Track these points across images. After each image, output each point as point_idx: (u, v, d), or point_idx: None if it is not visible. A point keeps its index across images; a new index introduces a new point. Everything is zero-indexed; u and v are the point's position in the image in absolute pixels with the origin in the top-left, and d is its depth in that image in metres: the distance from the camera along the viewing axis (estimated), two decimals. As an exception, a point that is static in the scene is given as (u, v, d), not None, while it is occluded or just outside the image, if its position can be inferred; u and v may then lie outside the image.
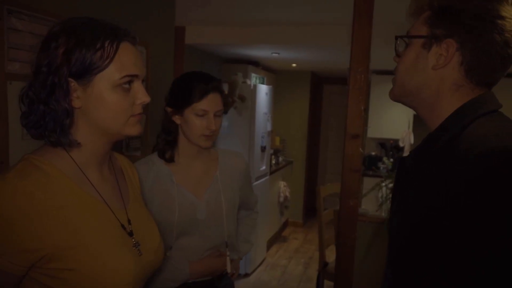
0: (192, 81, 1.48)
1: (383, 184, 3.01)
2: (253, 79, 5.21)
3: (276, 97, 5.82)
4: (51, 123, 0.90)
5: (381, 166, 5.50)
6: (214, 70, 4.76)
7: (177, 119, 1.50)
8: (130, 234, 1.01)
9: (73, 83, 0.90)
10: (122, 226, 1.00)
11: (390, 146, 5.75)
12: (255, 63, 5.28)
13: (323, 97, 7.27)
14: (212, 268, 1.54)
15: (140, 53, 0.99)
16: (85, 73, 0.89)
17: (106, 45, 0.89)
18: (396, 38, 0.98)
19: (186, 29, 3.53)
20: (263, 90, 4.68)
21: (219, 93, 1.49)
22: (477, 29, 0.85)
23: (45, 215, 0.85)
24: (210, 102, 1.46)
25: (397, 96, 1.00)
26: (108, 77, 0.90)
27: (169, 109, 1.51)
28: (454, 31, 0.87)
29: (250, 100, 4.43)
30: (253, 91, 4.43)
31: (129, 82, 0.94)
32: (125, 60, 0.92)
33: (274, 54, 4.59)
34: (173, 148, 1.54)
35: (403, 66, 0.96)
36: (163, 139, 1.55)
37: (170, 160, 1.53)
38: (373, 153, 5.71)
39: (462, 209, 0.75)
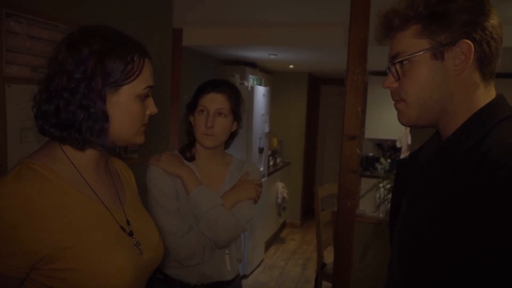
0: (204, 84, 1.59)
1: (381, 185, 3.02)
2: (251, 80, 5.21)
3: (273, 98, 5.83)
4: (86, 125, 0.91)
5: (379, 166, 5.52)
6: (211, 72, 4.76)
7: (192, 120, 1.61)
8: (130, 234, 1.02)
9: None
10: (122, 227, 1.01)
11: (387, 147, 5.77)
12: (252, 65, 5.28)
13: (320, 98, 7.28)
14: (243, 195, 1.58)
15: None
16: (115, 83, 0.93)
17: (135, 58, 0.95)
18: (394, 63, 0.93)
19: (184, 31, 3.54)
20: (260, 92, 4.69)
21: (223, 95, 1.55)
22: (477, 20, 0.86)
23: (43, 216, 0.86)
24: (210, 99, 1.54)
25: (415, 118, 0.94)
26: (134, 88, 0.96)
27: (186, 111, 1.63)
28: (461, 30, 0.86)
29: (248, 102, 4.43)
30: (251, 92, 4.44)
31: (146, 93, 1.00)
32: (147, 74, 0.99)
33: (271, 56, 4.60)
34: (192, 148, 1.63)
35: (416, 87, 0.91)
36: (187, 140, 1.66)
37: (192, 159, 1.61)
38: (370, 154, 5.73)
39: (493, 222, 0.75)
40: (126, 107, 0.96)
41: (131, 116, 0.98)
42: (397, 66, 0.93)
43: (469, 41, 0.85)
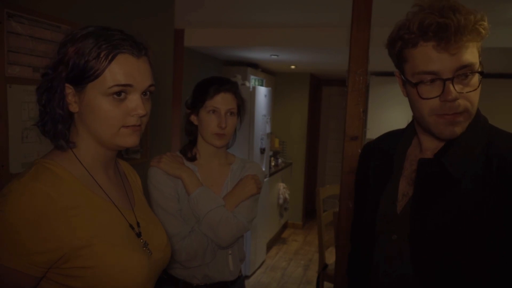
0: (207, 83, 1.56)
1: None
2: (252, 81, 5.22)
3: (275, 99, 5.83)
4: (48, 124, 0.94)
5: (381, 167, 5.50)
6: (213, 73, 4.77)
7: (194, 120, 1.58)
8: (138, 235, 1.03)
9: (70, 89, 0.93)
10: (131, 226, 1.02)
11: (389, 148, 5.75)
12: (254, 65, 5.28)
13: (322, 99, 7.28)
14: (244, 193, 1.57)
15: (146, 65, 0.98)
16: (80, 80, 0.92)
17: (101, 55, 0.91)
18: (472, 73, 0.94)
19: (185, 32, 3.54)
20: (262, 92, 4.69)
21: (232, 94, 1.55)
22: None
23: (61, 215, 0.87)
24: (221, 100, 1.53)
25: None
26: (99, 86, 0.92)
27: (188, 111, 1.60)
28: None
29: (249, 102, 4.43)
30: (252, 93, 4.44)
31: (122, 92, 0.93)
32: (118, 71, 0.92)
33: (273, 56, 4.60)
34: (193, 148, 1.61)
35: (477, 99, 0.96)
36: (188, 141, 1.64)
37: (193, 159, 1.59)
38: (372, 155, 5.71)
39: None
40: (91, 106, 0.93)
41: (99, 115, 0.93)
42: (475, 77, 0.94)
43: None
